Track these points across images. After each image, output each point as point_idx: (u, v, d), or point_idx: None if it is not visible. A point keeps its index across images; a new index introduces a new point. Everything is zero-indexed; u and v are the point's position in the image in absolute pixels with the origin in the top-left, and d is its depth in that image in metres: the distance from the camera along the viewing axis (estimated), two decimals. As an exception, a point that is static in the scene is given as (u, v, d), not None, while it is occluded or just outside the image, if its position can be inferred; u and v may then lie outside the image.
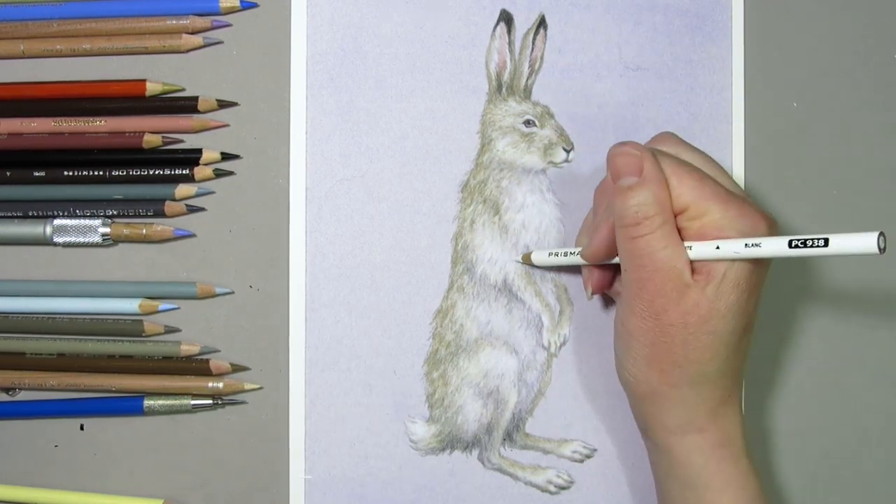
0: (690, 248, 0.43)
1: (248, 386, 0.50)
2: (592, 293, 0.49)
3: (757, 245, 0.41)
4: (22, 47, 0.50)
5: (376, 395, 0.51)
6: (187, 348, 0.50)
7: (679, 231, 0.43)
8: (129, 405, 0.50)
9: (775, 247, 0.40)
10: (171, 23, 0.50)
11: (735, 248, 0.41)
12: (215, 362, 0.50)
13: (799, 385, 0.54)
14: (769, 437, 0.54)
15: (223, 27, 0.51)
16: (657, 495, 0.48)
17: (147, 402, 0.50)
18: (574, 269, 0.52)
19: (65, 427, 0.50)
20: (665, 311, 0.43)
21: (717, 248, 0.42)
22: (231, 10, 0.50)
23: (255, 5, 0.51)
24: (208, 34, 0.50)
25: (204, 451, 0.51)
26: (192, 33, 0.50)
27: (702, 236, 0.43)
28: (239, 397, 0.51)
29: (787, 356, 0.54)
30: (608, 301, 0.52)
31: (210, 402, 0.50)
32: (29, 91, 0.50)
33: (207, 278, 0.50)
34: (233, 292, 0.51)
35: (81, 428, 0.51)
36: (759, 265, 0.43)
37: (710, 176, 0.44)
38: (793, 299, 0.54)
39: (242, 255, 0.51)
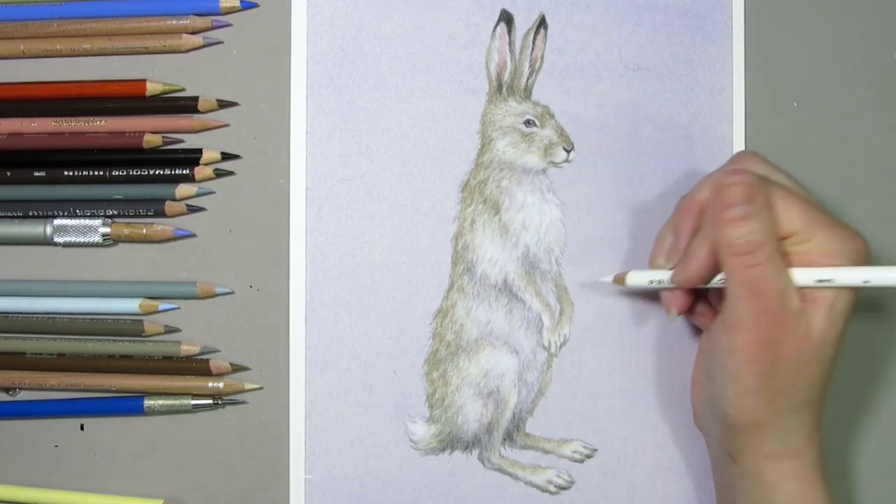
0: (799, 274, 0.43)
1: (248, 386, 0.50)
2: (679, 314, 0.48)
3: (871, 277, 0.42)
4: (22, 47, 0.50)
5: (376, 395, 0.51)
6: (187, 348, 0.50)
7: (783, 256, 0.43)
8: (129, 405, 0.50)
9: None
10: (172, 23, 0.50)
11: (852, 276, 0.42)
12: (215, 362, 0.50)
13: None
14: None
15: (223, 27, 0.51)
16: None
17: (147, 402, 0.50)
18: (575, 264, 0.52)
19: (65, 427, 0.50)
20: (780, 340, 0.42)
21: (830, 279, 0.42)
22: (231, 10, 0.50)
23: (255, 5, 0.51)
24: (208, 34, 0.50)
25: (204, 451, 0.51)
26: (193, 33, 0.50)
27: (809, 262, 0.43)
28: (239, 397, 0.51)
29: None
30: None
31: (210, 402, 0.50)
32: (29, 91, 0.50)
33: (207, 278, 0.50)
34: (233, 292, 0.51)
35: (81, 428, 0.51)
36: (858, 292, 0.43)
37: (809, 198, 0.44)
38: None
39: (242, 255, 0.51)
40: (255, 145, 0.51)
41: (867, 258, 0.43)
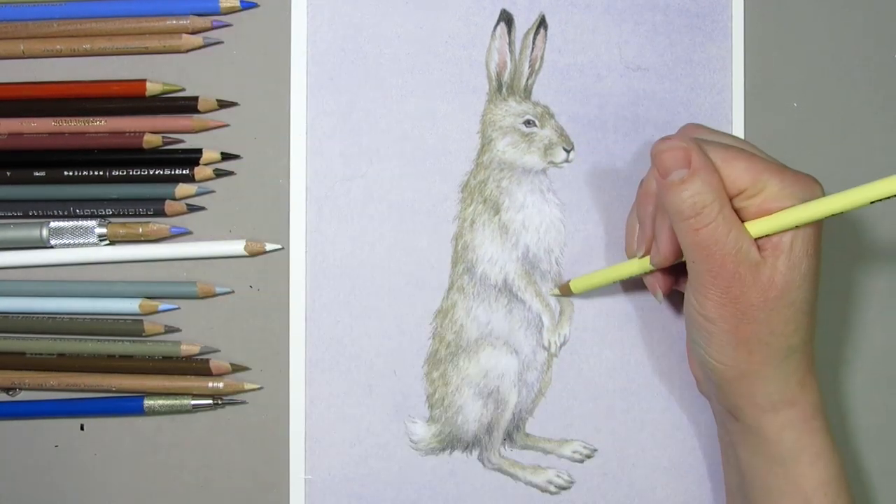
0: (752, 227, 0.43)
1: (248, 386, 0.50)
2: (664, 295, 0.49)
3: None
4: (22, 47, 0.50)
5: (376, 395, 0.51)
6: (187, 348, 0.50)
7: (738, 212, 0.43)
8: (129, 405, 0.50)
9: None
10: (171, 23, 0.50)
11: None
12: (215, 362, 0.50)
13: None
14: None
15: (223, 27, 0.51)
16: (730, 480, 0.48)
17: (147, 402, 0.50)
18: (575, 264, 0.52)
19: (65, 427, 0.50)
20: (743, 294, 0.43)
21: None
22: (231, 10, 0.50)
23: (255, 5, 0.51)
24: (208, 34, 0.50)
25: (204, 451, 0.51)
26: (192, 33, 0.50)
27: (764, 212, 0.43)
28: (239, 397, 0.51)
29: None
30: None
31: (210, 402, 0.50)
32: (29, 91, 0.50)
33: (207, 278, 0.50)
34: (233, 292, 0.51)
35: (81, 428, 0.51)
36: (819, 228, 0.43)
37: (754, 152, 0.44)
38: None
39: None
40: (255, 145, 0.51)
41: (820, 195, 0.43)
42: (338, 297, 0.51)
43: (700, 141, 0.44)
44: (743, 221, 0.43)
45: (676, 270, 0.48)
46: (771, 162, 0.44)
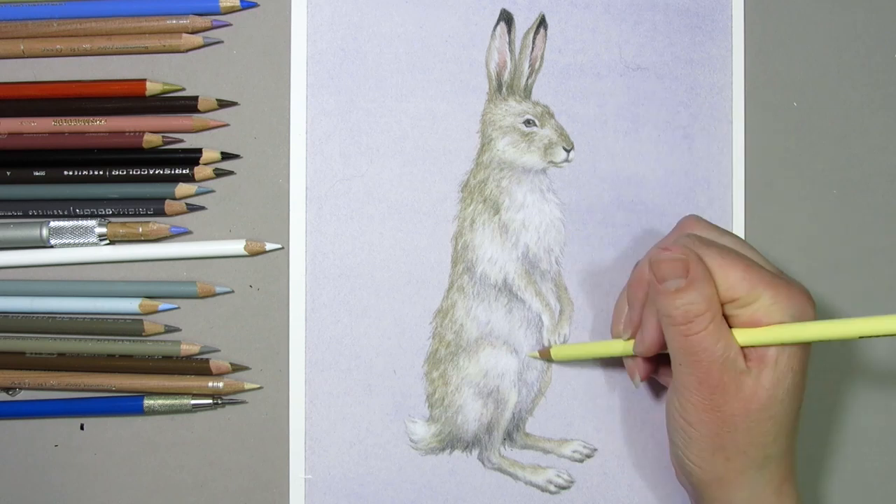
0: (741, 335, 0.43)
1: (248, 385, 0.50)
2: (642, 380, 0.49)
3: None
4: (22, 47, 0.50)
5: (376, 394, 0.51)
6: (187, 348, 0.50)
7: (728, 319, 0.44)
8: (128, 405, 0.50)
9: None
10: (171, 22, 0.50)
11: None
12: (215, 362, 0.50)
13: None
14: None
15: (223, 27, 0.51)
16: None
17: (147, 402, 0.50)
18: (575, 264, 0.52)
19: (65, 427, 0.50)
20: (726, 402, 0.43)
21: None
22: (231, 10, 0.50)
23: (255, 5, 0.51)
24: (208, 34, 0.50)
25: (204, 451, 0.51)
26: (192, 33, 0.50)
27: (754, 322, 0.43)
28: (239, 397, 0.51)
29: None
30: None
31: (210, 401, 0.50)
32: (29, 91, 0.50)
33: (207, 278, 0.50)
34: (232, 291, 0.51)
35: (81, 428, 0.51)
36: (807, 346, 0.44)
37: (752, 259, 0.45)
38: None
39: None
40: (255, 145, 0.51)
41: (811, 313, 0.44)
42: (338, 297, 0.51)
43: (699, 240, 0.44)
44: (732, 328, 0.44)
45: (657, 359, 0.49)
46: (766, 272, 0.44)
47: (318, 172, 0.51)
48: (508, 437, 0.52)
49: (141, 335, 0.50)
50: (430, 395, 0.51)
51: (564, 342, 0.52)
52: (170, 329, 0.50)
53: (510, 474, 0.52)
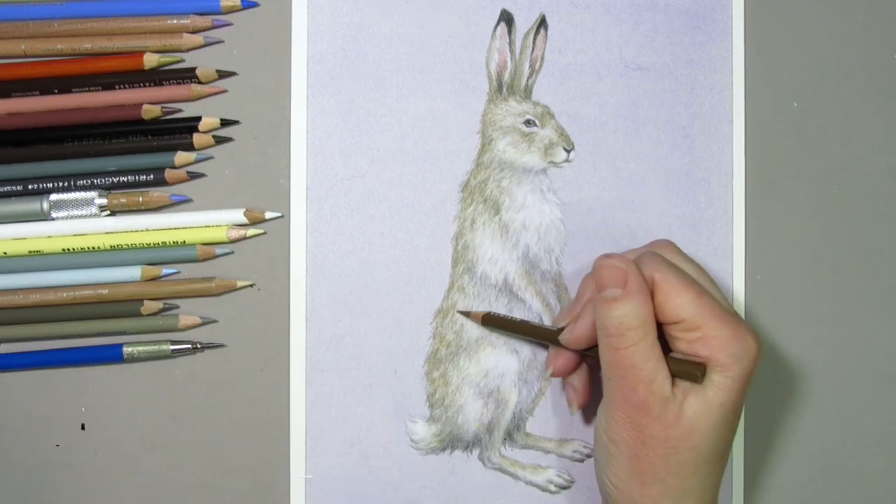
0: (675, 359, 0.43)
1: (240, 284, 0.50)
2: (553, 374, 0.49)
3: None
4: (23, 47, 0.50)
5: (377, 394, 0.51)
6: (186, 320, 0.50)
7: (670, 340, 0.44)
8: (108, 352, 0.50)
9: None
10: (172, 22, 0.50)
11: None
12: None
13: (798, 385, 0.54)
14: (770, 436, 0.54)
15: (224, 26, 0.51)
16: None
17: (126, 350, 0.49)
18: (575, 264, 0.52)
19: (65, 427, 0.50)
20: (647, 424, 0.43)
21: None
22: (232, 10, 0.50)
23: (255, 5, 0.51)
24: (209, 34, 0.50)
25: (204, 450, 0.51)
26: (193, 32, 0.50)
27: (692, 351, 0.43)
28: (237, 391, 0.51)
29: (785, 355, 0.54)
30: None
31: (189, 346, 0.50)
32: (27, 70, 0.50)
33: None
34: (232, 252, 0.50)
35: (82, 427, 0.51)
36: (742, 388, 0.43)
37: (708, 291, 0.44)
38: (790, 300, 0.54)
39: (243, 255, 0.51)
40: (255, 145, 0.51)
41: (755, 357, 0.43)
42: (338, 296, 0.51)
43: (660, 259, 0.44)
44: (669, 352, 0.43)
45: (579, 361, 0.49)
46: (719, 306, 0.43)
47: (319, 172, 0.51)
48: (509, 436, 0.52)
49: (138, 314, 0.50)
50: (431, 394, 0.51)
51: (565, 342, 0.52)
52: (169, 306, 0.50)
53: (510, 474, 0.52)
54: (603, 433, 0.44)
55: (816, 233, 0.54)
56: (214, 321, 0.50)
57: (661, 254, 0.46)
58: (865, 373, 0.55)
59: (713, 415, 0.42)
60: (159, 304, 0.50)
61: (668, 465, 0.43)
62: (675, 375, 0.43)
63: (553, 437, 0.52)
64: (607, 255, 0.44)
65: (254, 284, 0.51)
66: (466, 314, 0.51)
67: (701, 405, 0.42)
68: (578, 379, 0.49)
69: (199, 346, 0.50)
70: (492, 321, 0.51)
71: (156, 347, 0.50)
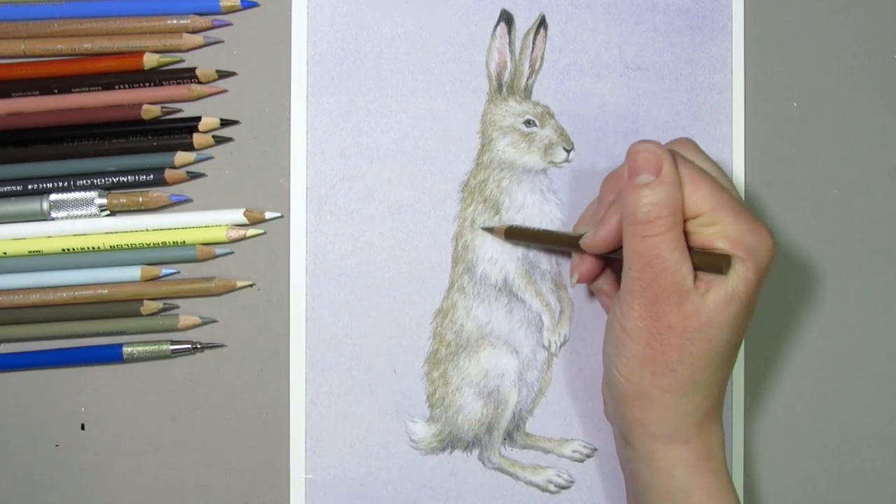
0: (699, 251, 0.43)
1: (240, 284, 0.50)
2: (578, 281, 0.49)
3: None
4: (22, 47, 0.50)
5: (376, 394, 0.51)
6: (185, 320, 0.50)
7: (688, 235, 0.43)
8: (108, 352, 0.50)
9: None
10: (172, 22, 0.50)
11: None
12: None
13: (798, 385, 0.54)
14: (770, 436, 0.54)
15: (224, 26, 0.51)
16: None
17: (126, 349, 0.49)
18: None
19: (65, 427, 0.50)
20: (665, 313, 0.43)
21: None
22: (232, 10, 0.50)
23: (255, 5, 0.51)
24: (209, 34, 0.50)
25: (204, 450, 0.51)
26: (193, 32, 0.50)
27: (710, 244, 0.43)
28: (239, 394, 0.51)
29: (786, 356, 0.54)
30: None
31: (189, 346, 0.50)
32: (27, 70, 0.50)
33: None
34: (233, 253, 0.50)
35: (82, 427, 0.51)
36: (759, 282, 0.43)
37: (725, 187, 0.44)
38: (791, 299, 0.54)
39: (243, 255, 0.51)
40: (255, 145, 0.51)
41: (771, 251, 0.43)
42: (338, 296, 0.51)
43: (678, 155, 0.44)
44: (690, 247, 0.43)
45: (603, 266, 0.49)
46: (736, 202, 0.44)
47: (318, 172, 0.51)
48: (509, 436, 0.52)
49: (139, 314, 0.50)
50: (431, 395, 0.51)
51: (565, 342, 0.52)
52: (168, 306, 0.50)
53: (510, 474, 0.52)
54: (617, 323, 0.44)
55: (816, 233, 0.54)
56: (214, 321, 0.50)
57: (682, 151, 0.46)
58: (865, 373, 0.55)
59: (731, 308, 0.43)
60: (159, 304, 0.50)
61: (682, 356, 0.43)
62: (698, 268, 0.43)
63: (553, 437, 0.52)
64: (643, 141, 0.44)
65: (254, 284, 0.51)
66: (490, 230, 0.51)
67: (720, 297, 0.43)
68: (607, 283, 0.49)
69: (198, 346, 0.50)
70: (515, 233, 0.51)
71: (156, 347, 0.50)
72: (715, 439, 0.45)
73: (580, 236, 0.47)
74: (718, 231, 0.43)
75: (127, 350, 0.50)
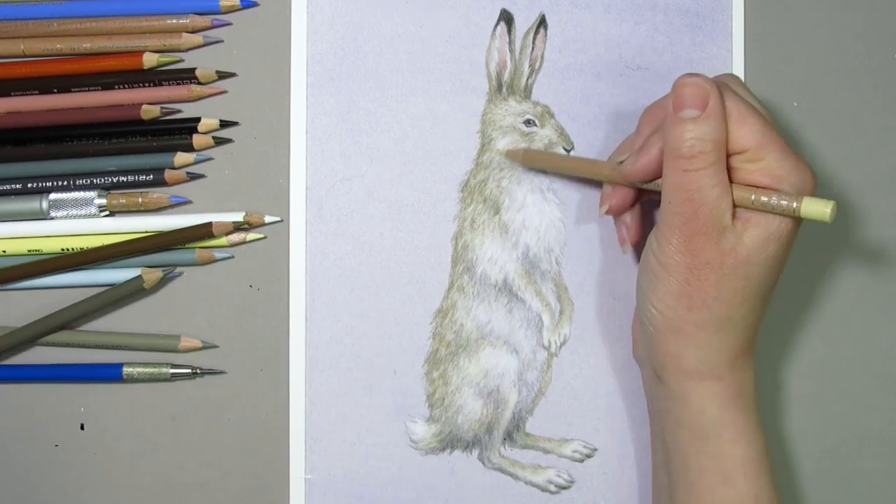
0: (742, 187, 0.43)
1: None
2: (608, 212, 0.48)
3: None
4: (22, 47, 0.50)
5: (376, 394, 0.51)
6: (186, 343, 0.50)
7: (730, 171, 0.43)
8: (108, 371, 0.50)
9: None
10: (172, 22, 0.50)
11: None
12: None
13: (798, 385, 0.54)
14: (770, 436, 0.54)
15: (223, 26, 0.51)
16: (656, 452, 0.48)
17: (126, 370, 0.49)
18: (575, 264, 0.52)
19: (65, 427, 0.50)
20: (703, 248, 0.42)
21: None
22: (231, 10, 0.50)
23: (255, 4, 0.51)
24: (208, 33, 0.50)
25: (204, 450, 0.51)
26: (193, 32, 0.50)
27: (753, 181, 0.43)
28: (239, 394, 0.50)
29: (785, 356, 0.54)
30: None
31: (189, 371, 0.50)
32: (26, 69, 0.50)
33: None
34: (233, 257, 0.50)
35: (82, 427, 0.51)
36: (798, 222, 0.43)
37: (771, 125, 0.44)
38: (790, 300, 0.54)
39: (243, 255, 0.51)
40: (254, 145, 0.51)
41: (812, 191, 0.43)
42: (338, 297, 0.51)
43: (726, 88, 0.44)
44: (732, 182, 0.43)
45: (635, 198, 0.48)
46: (782, 141, 0.43)
47: (318, 172, 0.51)
48: (509, 437, 0.52)
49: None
50: (431, 395, 0.51)
51: (565, 342, 0.52)
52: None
53: (510, 474, 0.52)
54: (653, 257, 0.44)
55: (816, 232, 0.54)
56: (215, 346, 0.50)
57: (730, 85, 0.45)
58: (865, 373, 0.55)
59: (770, 246, 0.43)
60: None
61: (718, 291, 0.43)
62: (739, 205, 0.43)
63: (553, 437, 0.52)
64: (690, 74, 0.43)
65: (252, 285, 0.51)
66: (510, 154, 0.51)
67: (759, 235, 0.42)
68: (632, 216, 0.49)
69: (199, 370, 0.50)
70: (534, 158, 0.50)
71: (155, 370, 0.50)
72: (747, 378, 0.45)
73: (611, 165, 0.47)
74: (763, 167, 0.43)
75: (126, 371, 0.50)
